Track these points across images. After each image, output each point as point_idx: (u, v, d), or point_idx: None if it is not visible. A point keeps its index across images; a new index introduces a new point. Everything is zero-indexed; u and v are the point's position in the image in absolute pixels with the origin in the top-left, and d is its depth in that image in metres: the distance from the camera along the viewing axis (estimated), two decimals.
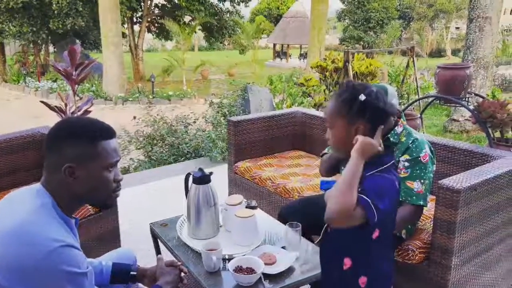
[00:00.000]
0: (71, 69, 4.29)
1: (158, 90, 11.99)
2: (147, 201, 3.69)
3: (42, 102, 4.44)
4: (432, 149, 2.16)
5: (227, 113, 5.64)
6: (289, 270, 1.81)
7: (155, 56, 18.97)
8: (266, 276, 1.76)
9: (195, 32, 16.48)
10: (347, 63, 5.71)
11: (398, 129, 2.16)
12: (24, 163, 2.73)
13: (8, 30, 12.90)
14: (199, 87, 13.99)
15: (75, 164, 1.21)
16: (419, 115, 3.97)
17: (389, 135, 2.16)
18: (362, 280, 1.45)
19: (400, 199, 2.05)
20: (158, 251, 2.25)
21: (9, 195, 1.30)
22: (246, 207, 2.21)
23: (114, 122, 5.93)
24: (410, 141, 2.10)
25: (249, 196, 3.09)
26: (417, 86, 6.26)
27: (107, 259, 1.69)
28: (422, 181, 2.04)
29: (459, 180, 1.98)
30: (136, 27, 17.11)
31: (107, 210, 2.60)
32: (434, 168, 2.15)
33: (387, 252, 1.54)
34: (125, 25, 16.43)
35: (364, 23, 24.13)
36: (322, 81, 7.81)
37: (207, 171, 2.13)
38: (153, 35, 18.55)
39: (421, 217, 2.27)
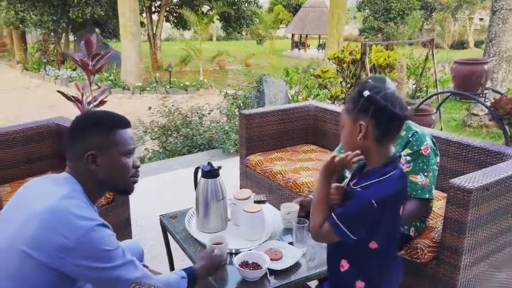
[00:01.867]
0: (87, 59, 4.33)
1: (175, 80, 12.04)
2: (159, 192, 3.73)
3: (59, 91, 4.51)
4: (434, 140, 2.13)
5: (241, 105, 5.63)
6: (296, 266, 1.81)
7: (174, 45, 19.00)
8: (272, 271, 1.76)
9: (213, 22, 16.44)
10: (364, 56, 5.63)
11: None
12: (39, 152, 2.79)
13: (29, 19, 13.09)
14: (216, 77, 13.99)
15: (97, 151, 1.32)
16: (434, 111, 3.90)
17: None
18: (360, 284, 1.45)
19: None
20: (167, 243, 2.27)
21: (31, 182, 1.37)
22: (255, 202, 2.21)
23: (131, 112, 6.00)
24: (410, 135, 2.07)
25: (260, 189, 3.09)
26: (436, 80, 6.14)
27: None
28: (425, 174, 2.02)
29: (471, 179, 1.94)
30: (155, 17, 17.16)
31: (120, 200, 2.65)
32: (438, 160, 2.13)
33: (388, 266, 1.47)
34: (144, 15, 16.49)
35: (385, 13, 23.71)
36: (339, 73, 7.73)
37: (219, 163, 2.15)
38: (171, 24, 18.58)
39: (431, 215, 2.25)
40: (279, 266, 1.79)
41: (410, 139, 2.07)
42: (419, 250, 2.05)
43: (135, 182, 1.45)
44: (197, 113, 5.66)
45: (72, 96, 4.46)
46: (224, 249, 1.79)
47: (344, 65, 7.55)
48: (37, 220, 1.20)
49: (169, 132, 5.10)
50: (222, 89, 7.73)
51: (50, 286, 1.21)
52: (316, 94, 6.77)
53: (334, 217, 1.38)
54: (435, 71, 6.22)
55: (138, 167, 1.44)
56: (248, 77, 6.85)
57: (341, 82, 7.09)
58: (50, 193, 1.26)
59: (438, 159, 2.14)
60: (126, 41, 11.80)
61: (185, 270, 1.60)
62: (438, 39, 19.40)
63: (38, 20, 13.23)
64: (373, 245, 1.39)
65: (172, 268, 2.32)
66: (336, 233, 1.38)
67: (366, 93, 1.33)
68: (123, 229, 2.65)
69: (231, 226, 2.16)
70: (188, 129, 5.16)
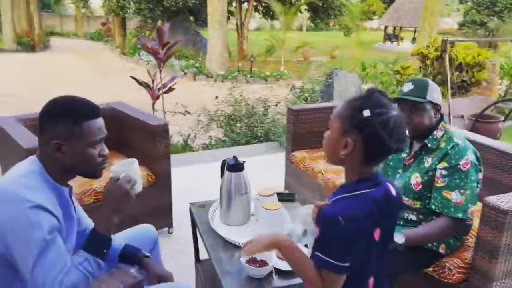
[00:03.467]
0: (158, 48, 4.57)
1: (256, 70, 12.20)
2: (210, 180, 3.83)
3: (131, 77, 4.82)
4: (479, 156, 1.94)
5: (308, 98, 5.56)
6: None
7: (262, 35, 19.22)
8: (278, 271, 1.75)
9: (300, 12, 16.32)
10: (444, 53, 5.25)
11: (438, 133, 1.97)
12: None
13: (128, 6, 14.07)
14: (298, 68, 13.91)
15: (62, 141, 1.37)
16: (502, 118, 3.53)
17: (426, 141, 1.97)
18: None
19: (437, 210, 1.88)
20: (194, 231, 2.34)
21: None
22: (280, 200, 2.20)
23: (205, 98, 6.13)
24: (450, 147, 1.90)
25: (301, 187, 3.05)
26: None
27: (128, 235, 1.81)
28: (461, 191, 1.85)
29: (508, 198, 1.74)
30: (244, 6, 17.45)
31: (162, 184, 2.78)
32: (480, 177, 1.93)
33: None
34: (233, 4, 16.85)
35: (490, 6, 21.71)
36: (422, 69, 7.29)
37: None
38: (259, 14, 18.79)
39: (471, 233, 2.06)
40: (285, 266, 1.76)
41: (449, 151, 1.90)
42: (446, 269, 1.90)
43: (103, 168, 1.48)
44: (265, 104, 5.70)
45: (143, 81, 4.74)
46: (133, 172, 1.54)
47: (428, 62, 7.11)
48: None
49: (232, 122, 5.20)
50: (302, 80, 7.66)
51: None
52: (392, 91, 6.47)
53: (319, 254, 1.23)
54: None
55: (105, 155, 1.46)
56: (327, 69, 6.71)
57: None
58: (12, 172, 1.39)
59: (480, 175, 1.95)
60: (213, 30, 12.18)
61: (86, 241, 1.46)
62: None
63: (136, 8, 14.17)
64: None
65: (197, 257, 2.38)
66: (331, 271, 1.22)
67: (367, 112, 1.20)
68: (163, 213, 2.77)
69: (253, 221, 2.16)
70: (253, 120, 5.22)
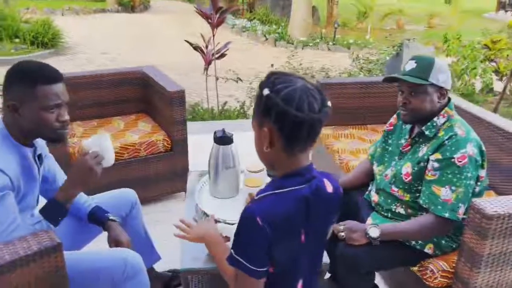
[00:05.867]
0: (212, 13, 4.56)
1: (340, 37, 11.69)
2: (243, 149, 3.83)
3: (186, 41, 4.90)
4: (484, 149, 1.68)
5: (371, 69, 5.23)
6: None
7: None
8: None
9: None
10: None
11: (439, 120, 1.73)
12: (127, 95, 3.15)
13: None
14: (388, 37, 13.07)
15: (18, 103, 1.42)
16: None
17: (424, 127, 1.75)
18: None
19: (424, 206, 1.70)
20: None
21: None
22: (271, 176, 2.13)
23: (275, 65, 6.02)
24: (447, 137, 1.67)
25: (321, 164, 2.93)
26: None
27: (105, 197, 1.89)
28: (453, 188, 1.63)
29: (500, 203, 1.50)
30: None
31: (179, 149, 2.84)
32: (482, 174, 1.69)
33: None
34: None
35: None
36: None
37: None
38: None
39: None
40: None
41: (446, 142, 1.68)
42: (429, 271, 1.72)
43: (62, 134, 1.51)
44: (326, 74, 5.49)
45: (198, 46, 4.80)
46: (104, 147, 1.59)
47: None
48: None
49: None
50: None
51: None
52: (473, 67, 5.82)
53: (232, 252, 1.14)
54: None
55: (64, 121, 1.49)
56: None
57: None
58: None
59: (481, 173, 1.70)
60: None
61: (46, 204, 1.53)
62: None
63: None
64: (270, 269, 1.16)
65: None
66: (244, 273, 1.12)
67: (265, 91, 1.08)
68: (179, 178, 2.82)
69: (241, 195, 2.13)
70: None
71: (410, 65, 1.76)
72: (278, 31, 12.24)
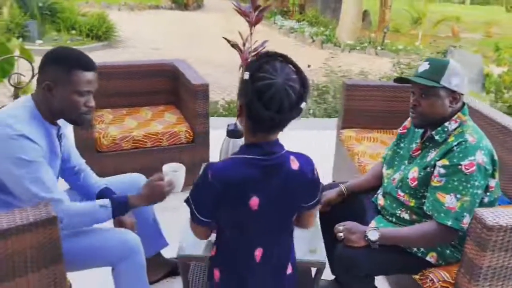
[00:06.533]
0: (251, 11, 4.59)
1: (388, 43, 11.40)
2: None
3: (224, 38, 4.95)
4: (496, 158, 1.60)
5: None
6: None
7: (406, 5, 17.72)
8: None
9: None
10: None
11: (451, 125, 1.67)
12: (157, 87, 3.25)
13: None
14: (432, 43, 12.61)
15: (53, 83, 1.54)
16: None
17: (433, 132, 1.69)
18: (216, 272, 1.35)
19: (428, 212, 1.64)
20: None
21: None
22: None
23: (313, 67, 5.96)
24: (456, 143, 1.60)
25: (342, 166, 2.90)
26: None
27: (115, 179, 1.97)
28: (458, 196, 1.57)
29: (503, 214, 1.43)
30: None
31: (200, 141, 2.90)
32: (491, 184, 1.61)
33: (244, 264, 1.32)
34: None
35: None
36: None
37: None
38: None
39: None
40: None
41: (454, 148, 1.62)
42: (429, 280, 1.66)
43: (86, 118, 1.63)
44: (365, 77, 5.40)
45: (235, 44, 4.85)
46: (178, 177, 1.80)
47: None
48: None
49: (321, 92, 5.05)
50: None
51: None
52: None
53: (189, 194, 1.28)
54: None
55: (90, 107, 1.60)
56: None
57: None
58: (9, 105, 1.60)
59: (491, 183, 1.63)
60: None
61: (115, 197, 1.71)
62: None
63: None
64: (226, 233, 1.28)
65: None
66: (190, 215, 1.28)
67: (246, 75, 1.14)
68: (198, 170, 2.87)
69: None
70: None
71: (423, 67, 1.71)
72: (326, 33, 12.12)
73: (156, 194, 1.72)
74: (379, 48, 11.09)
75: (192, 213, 1.27)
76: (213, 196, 1.21)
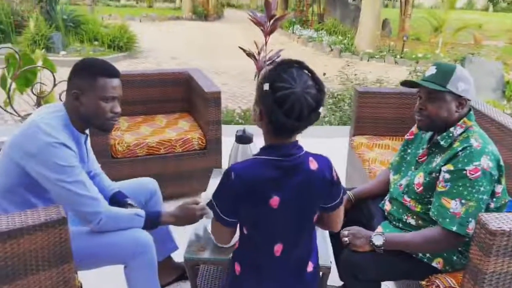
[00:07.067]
0: (265, 20, 4.64)
1: (408, 51, 11.32)
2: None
3: (240, 47, 5.02)
4: (502, 164, 1.59)
5: None
6: None
7: (429, 13, 17.56)
8: None
9: None
10: None
11: (456, 130, 1.67)
12: (172, 95, 3.33)
13: None
14: (457, 52, 12.46)
15: (80, 91, 1.63)
16: None
17: (439, 137, 1.69)
18: (237, 267, 1.40)
19: (433, 218, 1.64)
20: None
21: None
22: None
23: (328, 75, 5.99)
24: (461, 148, 1.60)
25: (353, 172, 2.89)
26: None
27: (127, 183, 2.03)
28: (463, 201, 1.56)
29: (507, 219, 1.41)
30: None
31: (212, 149, 2.95)
32: (498, 190, 1.60)
33: (261, 262, 1.37)
34: None
35: None
36: None
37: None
38: None
39: None
40: None
41: (459, 153, 1.62)
42: (435, 286, 1.65)
43: (112, 124, 1.70)
44: (380, 85, 5.38)
45: (250, 53, 4.91)
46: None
47: None
48: (21, 128, 1.60)
49: (334, 100, 5.06)
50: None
51: (18, 178, 1.59)
52: None
53: (211, 197, 1.32)
54: None
55: (117, 113, 1.68)
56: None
57: None
58: (40, 111, 1.66)
59: (497, 188, 1.62)
60: (365, 5, 11.66)
61: (150, 212, 1.79)
62: None
63: None
64: (245, 229, 1.33)
65: None
66: (216, 220, 1.33)
67: (266, 86, 1.18)
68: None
69: None
70: None
71: (430, 71, 1.72)
72: (344, 42, 12.12)
73: (188, 216, 1.79)
74: (398, 56, 11.02)
75: (216, 215, 1.31)
76: (235, 194, 1.25)
